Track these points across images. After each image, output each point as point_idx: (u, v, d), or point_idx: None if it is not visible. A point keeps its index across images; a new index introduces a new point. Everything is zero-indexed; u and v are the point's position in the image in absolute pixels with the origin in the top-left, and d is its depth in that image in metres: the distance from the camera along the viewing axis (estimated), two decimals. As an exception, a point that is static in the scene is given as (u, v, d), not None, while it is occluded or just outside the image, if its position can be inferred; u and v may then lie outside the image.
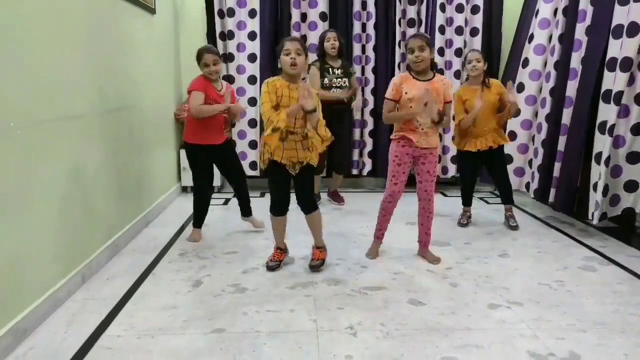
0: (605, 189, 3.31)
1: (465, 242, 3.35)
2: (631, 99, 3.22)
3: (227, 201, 4.40)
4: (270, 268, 2.83)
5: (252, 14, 4.59)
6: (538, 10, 4.07)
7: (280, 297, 2.48)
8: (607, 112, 3.28)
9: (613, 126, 3.21)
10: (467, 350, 2.00)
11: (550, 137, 3.88)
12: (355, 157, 4.90)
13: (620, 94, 3.17)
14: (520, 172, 4.32)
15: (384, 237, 3.06)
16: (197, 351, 1.99)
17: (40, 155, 2.21)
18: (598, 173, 3.30)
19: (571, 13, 3.73)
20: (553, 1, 3.97)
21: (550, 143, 3.88)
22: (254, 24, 4.60)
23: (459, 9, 4.63)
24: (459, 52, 4.71)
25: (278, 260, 2.88)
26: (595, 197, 3.30)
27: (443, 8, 4.59)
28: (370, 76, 4.75)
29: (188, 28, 4.75)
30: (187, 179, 4.30)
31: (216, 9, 4.59)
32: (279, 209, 2.81)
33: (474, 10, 4.70)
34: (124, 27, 3.25)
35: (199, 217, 3.36)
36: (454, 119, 3.64)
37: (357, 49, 4.71)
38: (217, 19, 4.60)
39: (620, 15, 3.18)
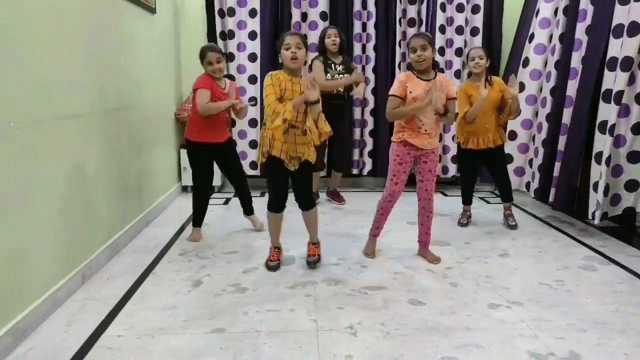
0: (606, 189, 3.31)
1: (465, 241, 3.35)
2: (632, 99, 3.22)
3: (227, 201, 4.40)
4: (273, 268, 2.83)
5: (252, 13, 4.58)
6: (538, 9, 4.07)
7: (280, 297, 2.48)
8: (607, 112, 3.28)
9: (614, 126, 3.20)
10: (467, 350, 2.00)
11: (550, 137, 3.88)
12: (356, 156, 4.90)
13: (620, 93, 3.17)
14: (520, 171, 4.32)
15: (379, 235, 3.06)
16: (197, 351, 1.99)
17: (40, 155, 2.21)
18: (599, 173, 3.30)
19: (572, 13, 3.72)
20: (553, 1, 3.97)
21: (550, 143, 3.87)
22: (254, 24, 4.60)
23: (460, 8, 4.62)
24: (459, 52, 4.71)
25: (278, 260, 2.88)
26: (597, 197, 3.30)
27: (443, 7, 4.58)
28: (371, 76, 4.75)
29: (188, 27, 4.75)
30: (187, 179, 4.30)
31: (216, 8, 4.58)
32: (276, 205, 2.82)
33: (475, 9, 4.69)
34: (124, 26, 3.25)
35: (198, 216, 3.36)
36: (455, 117, 3.64)
37: (357, 49, 4.70)
38: (217, 18, 4.60)
39: (621, 15, 3.18)
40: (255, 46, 4.62)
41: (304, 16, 4.64)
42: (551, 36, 3.99)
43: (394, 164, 2.84)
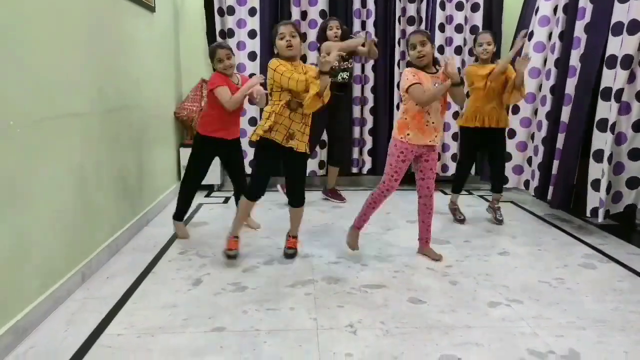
0: (608, 187, 3.31)
1: (465, 240, 3.35)
2: (632, 96, 3.22)
3: (227, 199, 4.40)
4: (233, 257, 2.88)
5: (252, 12, 4.59)
6: (538, 7, 4.06)
7: (280, 296, 2.48)
8: (605, 110, 3.28)
9: (614, 124, 3.21)
10: (467, 348, 2.00)
11: (550, 135, 3.88)
12: (355, 155, 4.90)
13: (620, 91, 3.17)
14: (519, 169, 4.32)
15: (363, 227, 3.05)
16: (197, 350, 1.99)
17: (40, 155, 2.21)
18: (601, 170, 3.30)
19: (571, 10, 3.72)
20: (553, -2, 3.98)
21: (550, 141, 3.88)
22: (254, 22, 4.60)
23: (459, 6, 4.62)
24: (458, 50, 4.71)
25: (237, 249, 2.92)
26: (599, 195, 3.30)
27: (443, 6, 4.58)
28: (370, 74, 4.75)
29: (188, 26, 4.75)
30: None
31: (216, 7, 4.59)
32: (256, 193, 2.85)
33: (474, 8, 4.69)
34: (123, 25, 3.25)
35: (184, 210, 3.38)
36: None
37: (356, 47, 4.70)
38: (217, 17, 4.60)
39: (620, 13, 3.18)
40: (255, 45, 4.62)
41: (304, 14, 4.64)
42: (551, 34, 3.99)
43: (397, 161, 2.82)
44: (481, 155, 3.74)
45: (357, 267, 2.86)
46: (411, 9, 4.64)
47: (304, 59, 4.68)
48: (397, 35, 4.64)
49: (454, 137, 4.81)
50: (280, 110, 2.66)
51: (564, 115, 3.69)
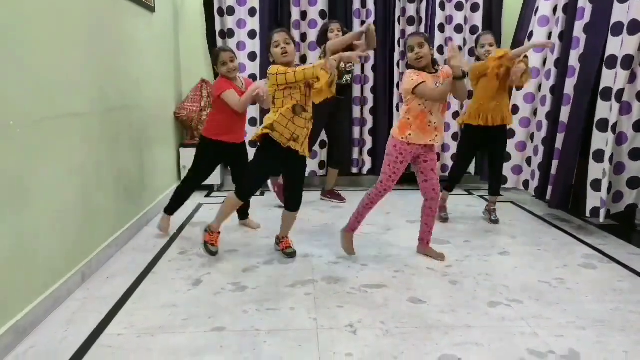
0: (609, 187, 3.32)
1: (465, 240, 3.35)
2: (633, 96, 3.22)
3: (227, 200, 4.40)
4: (215, 253, 2.93)
5: (252, 12, 4.59)
6: (538, 7, 4.06)
7: (280, 296, 2.48)
8: (605, 110, 3.29)
9: (616, 124, 3.21)
10: (467, 348, 2.00)
11: (550, 135, 3.88)
12: (355, 155, 4.90)
13: (621, 91, 3.17)
14: (517, 169, 4.32)
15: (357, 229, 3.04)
16: (197, 349, 1.99)
17: (40, 154, 2.21)
18: (601, 171, 3.30)
19: (570, 11, 3.72)
20: (552, -2, 3.98)
21: (550, 141, 3.88)
22: (254, 23, 4.60)
23: (459, 7, 4.62)
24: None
25: (217, 246, 2.96)
26: (600, 195, 3.30)
27: (442, 6, 4.58)
28: (370, 74, 4.75)
29: (188, 26, 4.75)
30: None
31: (216, 7, 4.59)
32: (250, 193, 2.89)
33: (474, 8, 4.69)
34: (123, 25, 3.25)
35: (176, 205, 3.40)
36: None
37: (356, 47, 4.70)
38: (217, 17, 4.60)
39: (620, 13, 3.18)
40: (254, 45, 4.62)
41: (304, 14, 4.64)
42: (550, 34, 3.99)
43: (395, 162, 2.81)
44: (481, 155, 3.72)
45: (357, 267, 2.86)
46: (411, 9, 4.64)
47: (304, 59, 4.69)
48: (397, 35, 4.64)
49: (454, 137, 4.81)
50: (285, 114, 2.66)
51: (563, 115, 3.69)
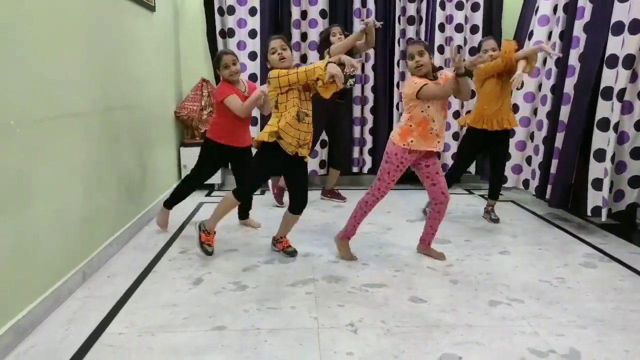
0: (610, 186, 3.32)
1: (465, 239, 3.35)
2: (634, 96, 3.22)
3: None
4: (211, 253, 2.95)
5: (252, 12, 4.58)
6: (538, 7, 4.06)
7: (281, 295, 2.48)
8: (606, 109, 3.28)
9: (617, 123, 3.21)
10: (468, 347, 2.00)
11: (550, 135, 3.88)
12: (356, 154, 4.90)
13: (623, 90, 3.17)
14: (517, 169, 4.32)
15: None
16: (198, 348, 1.99)
17: (41, 154, 2.21)
18: (602, 170, 3.30)
19: (571, 10, 3.72)
20: (553, -2, 3.98)
21: (550, 140, 3.88)
22: (254, 22, 4.60)
23: (459, 6, 4.62)
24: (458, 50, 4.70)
25: (213, 246, 2.98)
26: (602, 194, 3.30)
27: (443, 6, 4.58)
28: (370, 73, 4.75)
29: (188, 26, 4.75)
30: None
31: (216, 6, 4.59)
32: (249, 194, 2.93)
33: (474, 7, 4.69)
34: (124, 25, 3.25)
35: (175, 200, 3.42)
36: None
37: (357, 47, 4.70)
38: (217, 16, 4.60)
39: (620, 13, 3.18)
40: (255, 44, 4.62)
41: (304, 14, 4.64)
42: (550, 33, 3.98)
43: (395, 170, 2.78)
44: (482, 155, 3.71)
45: (358, 266, 2.86)
46: (411, 9, 4.64)
47: (304, 58, 4.69)
48: (397, 35, 4.64)
49: (454, 137, 4.81)
50: (291, 122, 2.65)
51: (563, 114, 3.69)
